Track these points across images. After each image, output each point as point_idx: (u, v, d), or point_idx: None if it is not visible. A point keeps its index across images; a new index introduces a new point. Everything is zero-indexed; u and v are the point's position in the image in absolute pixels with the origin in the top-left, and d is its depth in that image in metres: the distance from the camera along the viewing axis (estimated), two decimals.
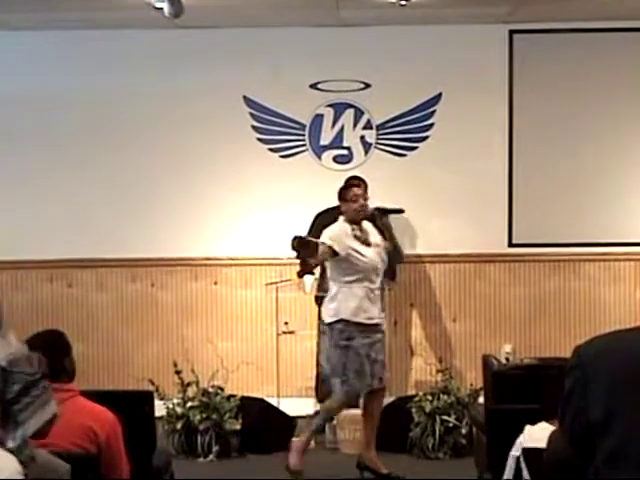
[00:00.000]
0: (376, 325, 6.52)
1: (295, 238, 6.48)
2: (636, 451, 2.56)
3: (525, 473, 4.12)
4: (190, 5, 7.12)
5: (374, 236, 6.55)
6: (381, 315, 6.61)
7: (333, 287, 6.51)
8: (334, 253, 6.41)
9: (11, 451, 3.25)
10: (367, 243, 6.50)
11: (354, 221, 6.52)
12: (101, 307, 8.50)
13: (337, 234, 6.46)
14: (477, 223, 8.45)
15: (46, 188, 8.45)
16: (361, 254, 6.43)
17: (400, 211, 6.72)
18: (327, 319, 6.54)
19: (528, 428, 4.28)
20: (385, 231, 6.57)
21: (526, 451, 4.09)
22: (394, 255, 6.67)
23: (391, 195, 8.32)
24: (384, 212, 6.61)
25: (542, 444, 3.96)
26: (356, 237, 6.49)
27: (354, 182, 6.74)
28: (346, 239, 6.45)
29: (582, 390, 2.65)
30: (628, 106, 8.39)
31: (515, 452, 4.19)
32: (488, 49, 8.42)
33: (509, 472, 4.20)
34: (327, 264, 6.57)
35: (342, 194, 6.60)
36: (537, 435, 4.13)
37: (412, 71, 8.39)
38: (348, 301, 6.42)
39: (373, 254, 6.48)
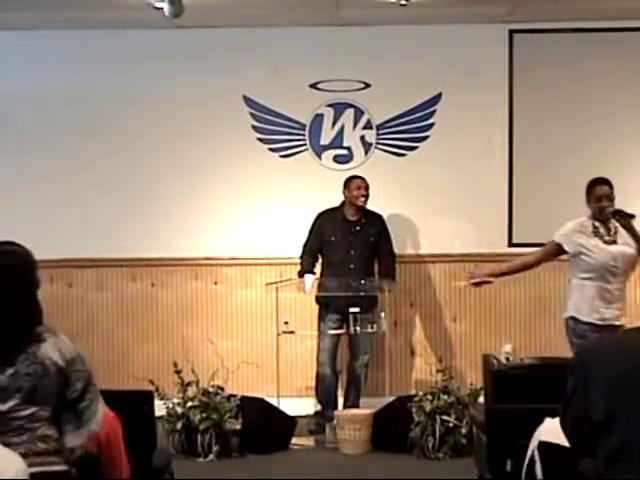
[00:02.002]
0: (612, 327, 6.34)
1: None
2: (638, 450, 2.56)
3: (538, 467, 4.09)
4: (190, 5, 7.12)
5: (623, 237, 6.43)
6: (620, 316, 6.40)
7: (572, 281, 6.48)
8: (562, 250, 6.42)
9: (71, 449, 3.25)
10: (611, 241, 6.42)
11: (599, 219, 6.47)
12: (101, 307, 8.50)
13: (569, 231, 6.44)
14: (477, 223, 8.45)
15: (46, 188, 8.44)
16: (593, 252, 6.36)
17: (633, 216, 6.49)
18: (564, 313, 6.51)
19: (547, 421, 4.22)
20: (629, 232, 6.42)
21: (541, 445, 4.06)
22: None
23: (391, 195, 8.35)
24: (625, 215, 6.45)
25: (559, 440, 3.92)
26: (597, 234, 6.42)
27: (600, 180, 6.60)
28: (578, 236, 6.41)
29: (584, 390, 2.66)
30: (628, 105, 8.39)
31: (533, 444, 4.15)
32: (488, 49, 8.42)
33: (526, 464, 4.16)
34: (570, 259, 6.51)
35: (587, 191, 6.54)
36: (555, 429, 4.09)
37: (412, 71, 8.39)
38: (580, 299, 6.37)
39: (609, 253, 6.36)
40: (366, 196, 7.80)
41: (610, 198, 6.49)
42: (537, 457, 4.06)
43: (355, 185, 7.78)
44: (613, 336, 2.82)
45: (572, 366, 2.79)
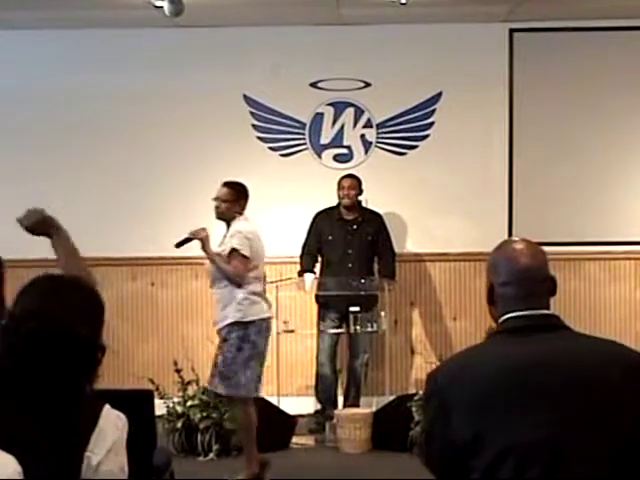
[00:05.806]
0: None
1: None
2: (510, 466, 2.47)
3: None
4: (190, 4, 7.12)
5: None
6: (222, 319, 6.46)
7: None
8: None
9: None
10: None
11: None
12: None
13: None
14: (477, 221, 8.44)
15: (46, 187, 8.42)
16: None
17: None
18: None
19: None
20: None
21: None
22: None
23: (391, 194, 8.35)
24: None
25: None
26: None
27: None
28: None
29: (444, 416, 2.55)
30: (629, 105, 8.39)
31: None
32: (488, 48, 8.42)
33: None
34: None
35: None
36: None
37: (412, 70, 8.39)
38: None
39: None
40: (348, 195, 7.80)
41: (223, 200, 6.64)
42: None
43: (340, 185, 7.86)
44: (463, 353, 2.67)
45: (426, 395, 2.67)
